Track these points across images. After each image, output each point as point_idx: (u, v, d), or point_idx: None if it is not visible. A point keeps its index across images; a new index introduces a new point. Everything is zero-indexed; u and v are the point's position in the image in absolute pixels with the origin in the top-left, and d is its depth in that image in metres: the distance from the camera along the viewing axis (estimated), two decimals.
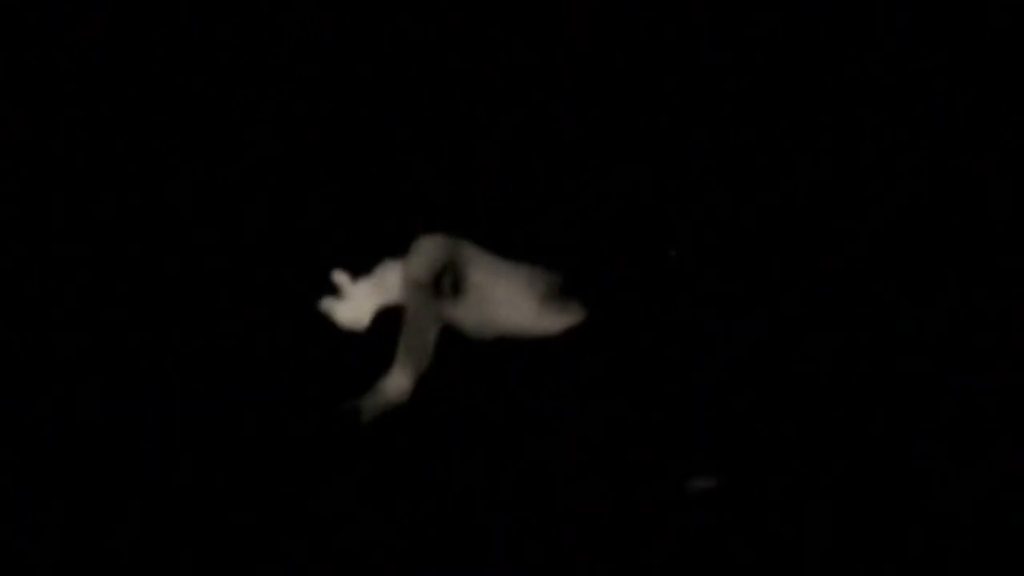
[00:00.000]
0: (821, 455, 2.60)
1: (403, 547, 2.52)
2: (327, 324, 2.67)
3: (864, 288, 2.73)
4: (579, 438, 2.63)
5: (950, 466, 2.57)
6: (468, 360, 2.67)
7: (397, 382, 2.63)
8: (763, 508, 2.54)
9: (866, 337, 2.70)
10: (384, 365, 2.68)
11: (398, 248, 2.69)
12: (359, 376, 2.69)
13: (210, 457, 2.63)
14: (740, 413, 2.64)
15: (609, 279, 2.71)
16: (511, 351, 2.66)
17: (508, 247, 2.69)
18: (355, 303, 2.65)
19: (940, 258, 2.74)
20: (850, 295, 2.72)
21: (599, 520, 2.53)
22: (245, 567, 2.49)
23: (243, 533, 2.53)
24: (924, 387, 2.65)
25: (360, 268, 2.70)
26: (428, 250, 2.65)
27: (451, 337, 2.67)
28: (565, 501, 2.57)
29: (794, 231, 2.77)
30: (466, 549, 2.52)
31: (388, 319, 2.69)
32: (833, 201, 2.78)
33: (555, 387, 2.67)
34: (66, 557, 2.48)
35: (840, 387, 2.66)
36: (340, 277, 2.65)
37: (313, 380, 2.72)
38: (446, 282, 2.62)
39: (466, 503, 2.57)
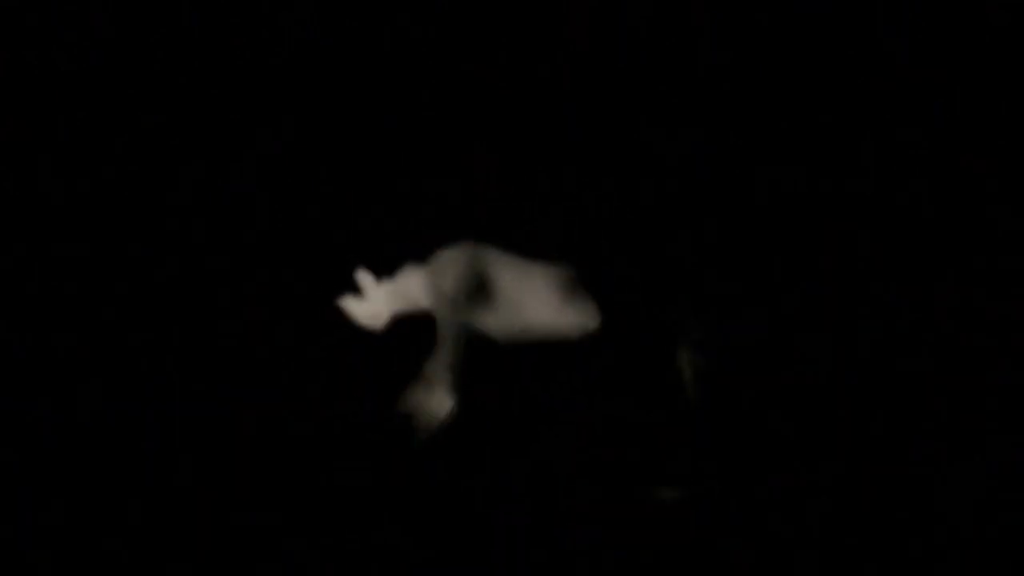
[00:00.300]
0: (821, 455, 2.60)
1: (410, 545, 2.52)
2: (332, 326, 2.68)
3: (864, 288, 2.73)
4: (588, 436, 2.64)
5: (950, 466, 2.57)
6: (493, 360, 2.67)
7: (441, 400, 2.63)
8: (763, 508, 2.54)
9: (866, 337, 2.70)
10: (389, 367, 2.68)
11: (418, 253, 2.69)
12: (362, 377, 2.69)
13: (210, 457, 2.63)
14: (740, 413, 2.64)
15: (623, 273, 2.71)
16: (534, 349, 2.66)
17: (526, 244, 2.70)
18: (374, 304, 2.65)
19: (940, 258, 2.74)
20: (850, 295, 2.73)
21: (606, 519, 2.53)
22: (245, 567, 2.49)
23: (243, 533, 2.53)
24: (924, 387, 2.65)
25: (379, 271, 2.70)
26: (454, 262, 2.64)
27: (475, 339, 2.68)
28: (575, 498, 2.57)
29: (796, 231, 2.77)
30: (484, 546, 2.51)
31: (395, 323, 2.70)
32: (841, 201, 2.78)
33: (571, 383, 2.67)
34: (66, 557, 2.48)
35: (840, 387, 2.66)
36: (363, 276, 2.64)
37: (314, 380, 2.72)
38: (476, 293, 2.62)
39: (488, 501, 2.58)
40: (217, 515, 2.55)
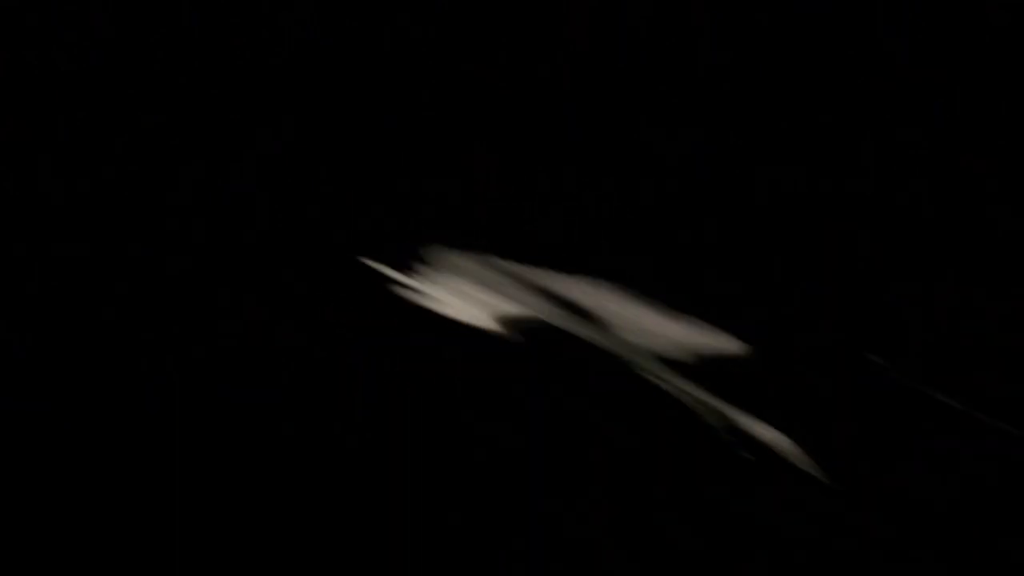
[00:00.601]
0: (821, 455, 2.60)
1: (410, 545, 2.52)
2: (332, 326, 2.68)
3: (864, 288, 2.73)
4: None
5: (950, 466, 2.57)
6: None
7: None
8: (763, 508, 2.54)
9: (866, 337, 2.70)
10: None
11: (419, 253, 2.69)
12: (362, 377, 2.69)
13: (210, 457, 2.63)
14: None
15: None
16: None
17: (529, 243, 2.70)
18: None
19: (940, 258, 2.74)
20: (850, 295, 2.73)
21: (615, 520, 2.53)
22: (245, 567, 2.49)
23: (243, 533, 2.53)
24: (924, 387, 2.65)
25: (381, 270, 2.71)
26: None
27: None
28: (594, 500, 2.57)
29: (796, 231, 2.77)
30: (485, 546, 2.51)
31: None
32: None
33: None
34: (66, 557, 2.48)
35: (840, 387, 2.66)
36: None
37: (314, 380, 2.72)
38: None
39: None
40: (217, 515, 2.55)
